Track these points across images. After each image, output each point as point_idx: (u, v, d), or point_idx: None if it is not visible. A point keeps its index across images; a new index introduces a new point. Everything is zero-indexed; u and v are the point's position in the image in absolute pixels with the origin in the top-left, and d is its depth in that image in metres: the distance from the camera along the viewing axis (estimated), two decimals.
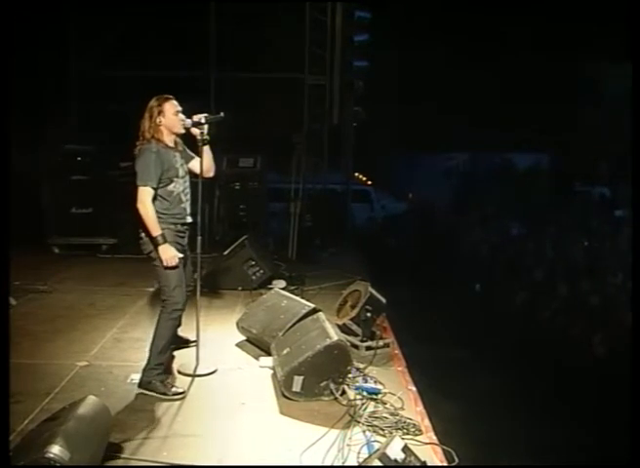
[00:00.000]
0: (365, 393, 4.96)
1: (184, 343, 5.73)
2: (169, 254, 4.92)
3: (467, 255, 15.50)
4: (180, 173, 5.16)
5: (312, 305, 5.81)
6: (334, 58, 12.32)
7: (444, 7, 23.28)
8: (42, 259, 9.27)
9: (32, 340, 6.07)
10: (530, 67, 23.75)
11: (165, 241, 4.92)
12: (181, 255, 5.08)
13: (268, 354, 5.55)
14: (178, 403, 4.86)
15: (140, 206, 4.92)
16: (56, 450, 3.28)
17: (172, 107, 5.08)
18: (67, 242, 9.83)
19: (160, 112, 5.04)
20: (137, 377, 5.09)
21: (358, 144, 14.65)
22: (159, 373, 5.03)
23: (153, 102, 5.08)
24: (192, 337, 5.63)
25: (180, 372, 5.35)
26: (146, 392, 4.97)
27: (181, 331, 5.62)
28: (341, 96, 12.56)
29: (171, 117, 5.07)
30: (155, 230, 4.91)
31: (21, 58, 10.30)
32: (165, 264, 4.93)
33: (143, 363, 5.11)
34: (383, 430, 4.42)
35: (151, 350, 5.05)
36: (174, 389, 4.99)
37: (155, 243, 4.92)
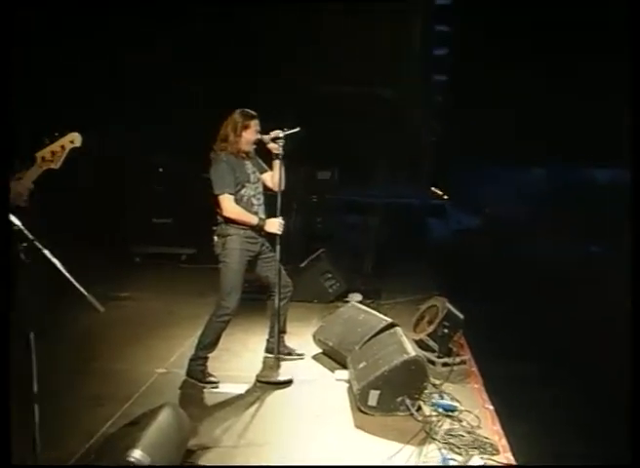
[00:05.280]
0: (441, 410, 4.88)
1: (287, 354, 5.86)
2: (274, 226, 5.29)
3: (545, 272, 15.15)
4: (252, 178, 5.37)
5: (389, 319, 5.78)
6: (413, 73, 12.29)
7: (526, 22, 22.91)
8: (123, 267, 9.50)
9: (113, 346, 6.24)
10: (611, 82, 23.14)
11: (263, 221, 5.30)
12: (251, 255, 5.36)
13: (344, 367, 5.54)
14: (252, 411, 4.92)
15: (225, 213, 5.20)
16: (137, 455, 3.35)
17: (254, 126, 5.29)
18: (148, 251, 10.07)
19: (244, 128, 5.26)
20: (227, 388, 5.28)
21: (435, 158, 14.55)
22: (200, 365, 5.34)
23: (239, 117, 5.28)
24: (299, 350, 5.96)
25: (258, 381, 5.43)
26: (188, 378, 5.34)
27: (288, 341, 5.94)
28: (420, 110, 12.52)
29: (253, 133, 5.29)
30: (252, 220, 5.26)
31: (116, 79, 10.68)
32: (279, 233, 5.27)
33: (219, 372, 5.38)
34: (460, 448, 4.34)
35: (197, 344, 5.39)
36: (209, 378, 5.32)
37: (261, 229, 5.28)
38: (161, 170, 10.10)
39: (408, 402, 4.81)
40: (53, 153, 3.48)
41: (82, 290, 2.97)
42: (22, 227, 2.88)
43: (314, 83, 12.04)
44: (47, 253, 2.88)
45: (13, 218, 2.94)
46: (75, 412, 4.72)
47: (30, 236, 2.86)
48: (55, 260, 2.90)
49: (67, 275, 2.91)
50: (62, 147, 3.50)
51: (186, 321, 6.98)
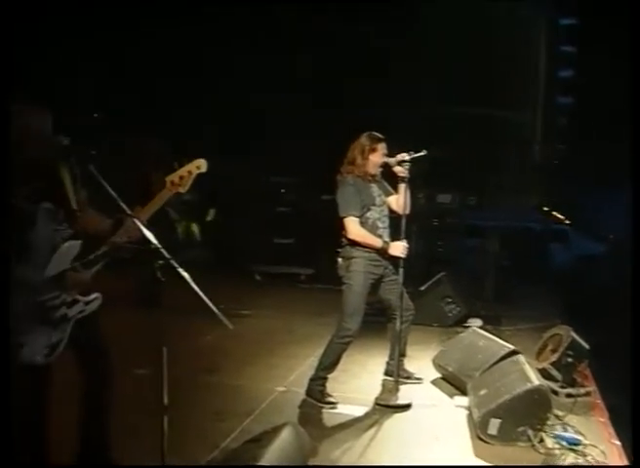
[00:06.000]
0: (564, 443, 4.70)
1: (406, 378, 5.84)
2: (398, 249, 5.27)
3: None
4: (377, 201, 5.37)
5: (511, 347, 5.65)
6: (537, 95, 12.04)
7: None
8: (245, 285, 9.76)
9: (234, 362, 6.39)
10: None
11: (388, 244, 5.28)
12: (375, 278, 5.37)
13: (463, 393, 5.46)
14: (371, 433, 4.90)
15: (350, 236, 5.22)
16: None
17: (381, 149, 5.32)
18: (268, 270, 10.31)
19: (372, 151, 5.29)
20: (346, 410, 5.29)
21: (558, 182, 14.16)
22: (320, 385, 5.36)
23: (366, 140, 5.33)
24: (417, 374, 5.95)
25: (377, 404, 5.42)
26: (307, 398, 5.36)
27: (407, 365, 5.95)
28: (544, 132, 12.23)
29: (380, 156, 5.31)
30: (376, 243, 5.25)
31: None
32: (403, 256, 5.25)
33: (338, 393, 5.41)
34: None
35: (318, 364, 5.41)
36: (328, 399, 5.33)
37: (385, 252, 5.26)
38: (283, 191, 10.32)
39: (530, 432, 4.68)
40: (181, 178, 3.65)
41: (213, 307, 3.08)
42: (159, 246, 3.02)
43: (437, 106, 12.00)
44: (181, 271, 3.00)
45: (150, 237, 3.09)
46: (198, 425, 4.85)
47: (166, 255, 2.99)
48: (188, 278, 3.01)
49: (199, 292, 3.02)
50: (190, 172, 3.67)
51: (306, 340, 7.08)
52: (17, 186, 3.25)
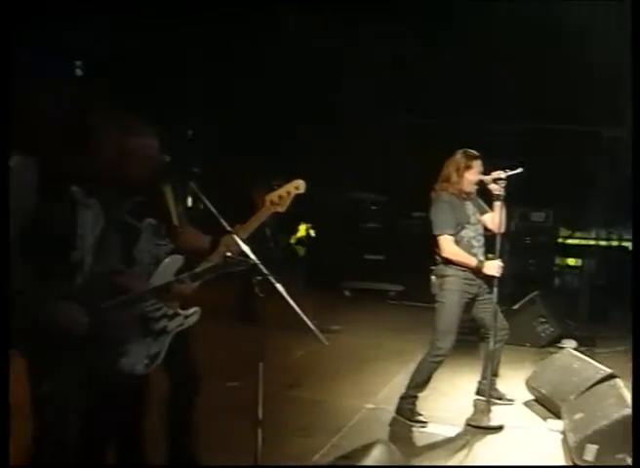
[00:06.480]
0: None
1: (498, 398, 5.74)
2: (493, 269, 5.18)
3: None
4: (472, 220, 5.30)
5: (608, 370, 5.48)
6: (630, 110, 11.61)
7: None
8: (335, 301, 9.80)
9: (323, 378, 6.42)
10: None
11: (482, 263, 5.19)
12: (469, 297, 5.30)
13: (557, 416, 5.33)
14: (462, 453, 4.82)
15: (444, 254, 5.17)
16: None
17: (477, 166, 5.25)
18: (358, 286, 10.35)
19: (467, 168, 5.24)
20: (436, 429, 5.24)
21: None
22: (410, 403, 5.31)
23: (461, 158, 5.28)
24: (509, 395, 5.85)
25: (468, 424, 5.35)
26: (397, 416, 5.33)
27: (498, 385, 5.82)
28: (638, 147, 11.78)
29: (475, 174, 5.25)
30: (471, 262, 5.18)
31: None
32: (498, 275, 5.18)
33: (428, 412, 5.36)
34: None
35: (409, 382, 5.36)
36: (418, 417, 5.28)
37: (480, 271, 5.19)
38: (374, 207, 10.36)
39: (629, 460, 4.52)
40: (280, 197, 3.72)
41: (309, 323, 3.11)
42: (258, 262, 3.08)
43: (529, 120, 11.78)
44: (279, 287, 3.05)
45: (249, 253, 3.16)
46: (286, 440, 4.86)
47: (265, 271, 3.05)
48: (285, 294, 3.06)
49: (296, 308, 3.06)
50: (288, 193, 3.74)
51: (394, 356, 7.05)
52: (121, 202, 3.37)
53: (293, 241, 10.98)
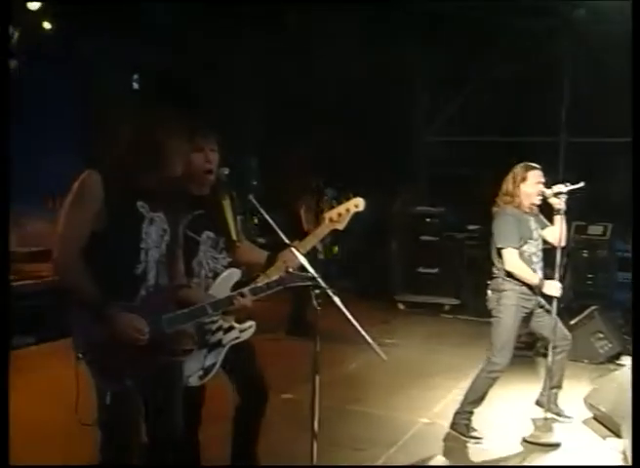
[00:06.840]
0: None
1: (556, 414, 5.66)
2: (553, 289, 5.14)
3: None
4: (534, 235, 5.26)
5: None
6: None
7: None
8: (388, 314, 9.79)
9: (377, 391, 6.39)
10: None
11: (543, 281, 5.13)
12: (526, 312, 5.24)
13: (617, 436, 5.22)
14: None
15: (507, 267, 5.12)
16: None
17: (535, 177, 5.22)
18: (412, 299, 10.32)
19: (524, 179, 5.21)
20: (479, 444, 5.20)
21: None
22: (465, 419, 5.27)
23: (519, 169, 5.27)
24: (566, 411, 5.73)
25: (524, 440, 5.28)
26: (452, 431, 5.31)
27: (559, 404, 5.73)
28: None
29: (533, 186, 5.20)
30: (533, 279, 5.12)
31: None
32: (557, 296, 5.15)
33: (483, 427, 5.31)
34: None
35: (464, 398, 5.32)
36: (473, 433, 5.24)
37: (540, 289, 5.13)
38: (429, 220, 10.33)
39: None
40: (339, 215, 3.78)
41: (367, 337, 3.14)
42: (316, 275, 3.12)
43: (586, 134, 11.61)
44: (337, 300, 3.08)
45: (308, 266, 3.19)
46: (339, 453, 4.87)
47: (323, 284, 3.08)
48: (343, 308, 3.09)
49: (354, 322, 3.09)
50: (348, 210, 3.81)
51: (449, 371, 7.00)
52: (184, 216, 3.45)
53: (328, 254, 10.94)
